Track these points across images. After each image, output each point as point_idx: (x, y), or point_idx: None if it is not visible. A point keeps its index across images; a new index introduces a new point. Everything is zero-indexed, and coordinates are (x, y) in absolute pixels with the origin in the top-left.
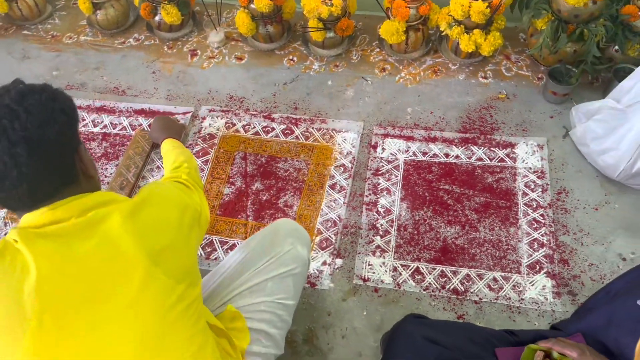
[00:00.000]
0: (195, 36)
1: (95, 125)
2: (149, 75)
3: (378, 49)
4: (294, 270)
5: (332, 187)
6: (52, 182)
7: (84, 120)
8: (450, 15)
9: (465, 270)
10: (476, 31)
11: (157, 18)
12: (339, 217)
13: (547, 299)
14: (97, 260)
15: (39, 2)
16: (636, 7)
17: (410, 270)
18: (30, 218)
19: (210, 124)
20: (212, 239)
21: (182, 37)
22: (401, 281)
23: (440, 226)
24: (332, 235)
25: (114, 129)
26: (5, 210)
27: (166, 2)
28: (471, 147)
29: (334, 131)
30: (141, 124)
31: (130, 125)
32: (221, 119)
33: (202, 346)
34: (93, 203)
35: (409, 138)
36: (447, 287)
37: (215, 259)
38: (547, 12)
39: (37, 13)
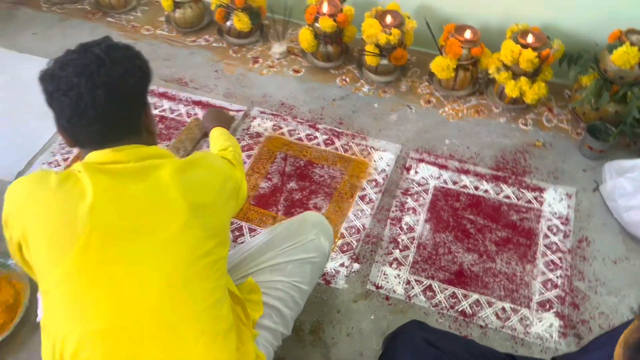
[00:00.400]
0: (260, 46)
1: (155, 108)
2: (212, 72)
3: (427, 83)
4: (314, 259)
5: (362, 198)
6: (121, 127)
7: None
8: (500, 60)
9: (476, 296)
10: (523, 78)
11: (228, 23)
12: (363, 226)
13: (552, 337)
14: (145, 200)
15: None
16: None
17: (423, 286)
18: (96, 155)
19: (259, 124)
20: (242, 225)
21: (248, 45)
22: (412, 294)
23: (459, 251)
24: (354, 241)
25: (171, 114)
26: (63, 166)
27: (240, 10)
28: (501, 184)
29: (372, 149)
30: (197, 114)
31: (186, 113)
32: (270, 121)
33: (220, 302)
34: (150, 153)
35: (443, 166)
36: (456, 307)
37: (242, 242)
38: (594, 70)
39: (123, 4)
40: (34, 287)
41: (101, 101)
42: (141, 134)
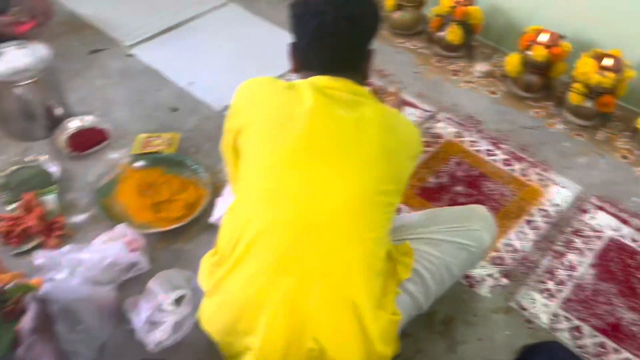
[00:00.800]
0: (463, 62)
1: None
2: (411, 73)
3: (628, 139)
4: (471, 248)
5: (528, 222)
6: (347, 61)
7: None
8: None
9: (627, 354)
10: None
11: (441, 33)
12: (523, 248)
13: None
14: (350, 126)
15: None
16: None
17: (571, 324)
18: (317, 79)
19: (443, 127)
20: (401, 207)
21: (452, 58)
22: (557, 327)
23: (621, 306)
24: (508, 258)
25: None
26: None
27: (456, 22)
28: None
29: (550, 181)
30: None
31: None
32: (454, 128)
33: (381, 242)
34: (360, 92)
35: (624, 221)
36: (602, 357)
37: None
38: None
39: None
40: (214, 195)
41: (342, 31)
42: (358, 73)
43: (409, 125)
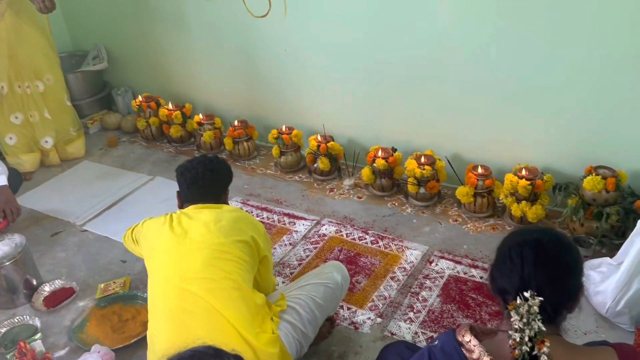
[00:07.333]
0: (336, 181)
1: (257, 216)
2: (300, 197)
3: (456, 208)
4: (327, 284)
5: (392, 278)
6: (212, 195)
7: (252, 212)
8: (507, 189)
9: None
10: (523, 202)
11: (315, 165)
12: (390, 295)
13: None
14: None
15: (251, 147)
16: None
17: (427, 336)
18: (189, 208)
19: (326, 228)
20: None
21: (328, 180)
22: (417, 341)
23: (459, 317)
24: (381, 305)
25: (267, 220)
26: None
27: (323, 155)
28: None
29: (406, 247)
30: (283, 220)
31: (278, 220)
32: (334, 227)
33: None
34: (218, 207)
35: (458, 262)
36: None
37: None
38: (576, 195)
39: (248, 154)
40: None
41: (208, 178)
42: (220, 202)
43: (249, 219)
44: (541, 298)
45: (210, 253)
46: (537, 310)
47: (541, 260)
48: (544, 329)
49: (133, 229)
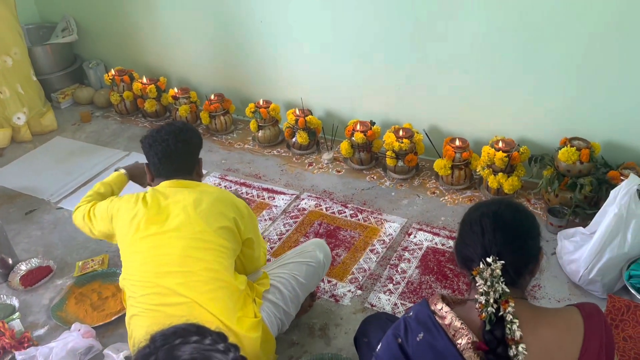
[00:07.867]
0: (315, 155)
1: (238, 192)
2: (279, 171)
3: (434, 180)
4: (310, 263)
5: (372, 251)
6: (185, 169)
7: (230, 187)
8: (484, 161)
9: None
10: (500, 174)
11: (293, 139)
12: (369, 268)
13: None
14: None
15: (228, 121)
16: (619, 173)
17: (405, 307)
18: (164, 185)
19: (305, 203)
20: None
21: (306, 154)
22: (397, 311)
23: (438, 288)
24: (360, 277)
25: (247, 195)
26: None
27: (302, 130)
28: None
29: (384, 220)
30: (262, 195)
31: (257, 194)
32: (313, 201)
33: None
34: (192, 184)
35: (436, 234)
36: None
37: None
38: (551, 166)
39: (225, 128)
40: None
41: (181, 151)
42: (192, 176)
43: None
44: (503, 261)
45: (189, 242)
46: (500, 273)
47: (499, 226)
48: (507, 290)
49: (91, 208)
